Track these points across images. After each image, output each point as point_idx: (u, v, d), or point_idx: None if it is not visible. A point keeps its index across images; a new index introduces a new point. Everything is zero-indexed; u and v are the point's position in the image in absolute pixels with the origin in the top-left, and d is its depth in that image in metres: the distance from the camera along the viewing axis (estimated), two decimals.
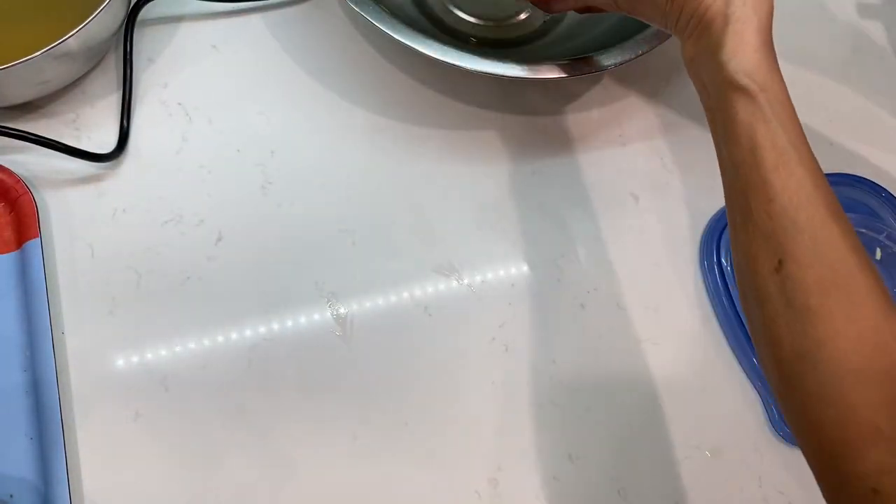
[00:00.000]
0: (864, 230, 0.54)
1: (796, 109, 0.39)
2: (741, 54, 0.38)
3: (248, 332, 0.49)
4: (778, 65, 0.39)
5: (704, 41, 0.41)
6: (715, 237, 0.54)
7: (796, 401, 0.34)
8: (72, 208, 0.52)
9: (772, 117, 0.37)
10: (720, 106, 0.40)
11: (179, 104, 0.56)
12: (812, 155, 0.37)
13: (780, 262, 0.35)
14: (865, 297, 0.33)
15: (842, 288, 0.33)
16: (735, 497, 0.48)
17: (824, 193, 0.36)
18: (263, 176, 0.54)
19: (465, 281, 0.52)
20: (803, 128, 0.38)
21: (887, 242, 0.54)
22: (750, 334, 0.37)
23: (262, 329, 0.50)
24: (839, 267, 0.34)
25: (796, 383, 0.34)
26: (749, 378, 0.51)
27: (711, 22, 0.40)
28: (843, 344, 0.33)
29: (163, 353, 0.48)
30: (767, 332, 0.35)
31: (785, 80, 0.40)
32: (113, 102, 0.56)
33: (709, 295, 0.53)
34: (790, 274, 0.34)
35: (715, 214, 0.55)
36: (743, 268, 0.37)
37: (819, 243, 0.34)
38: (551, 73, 0.52)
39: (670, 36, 0.55)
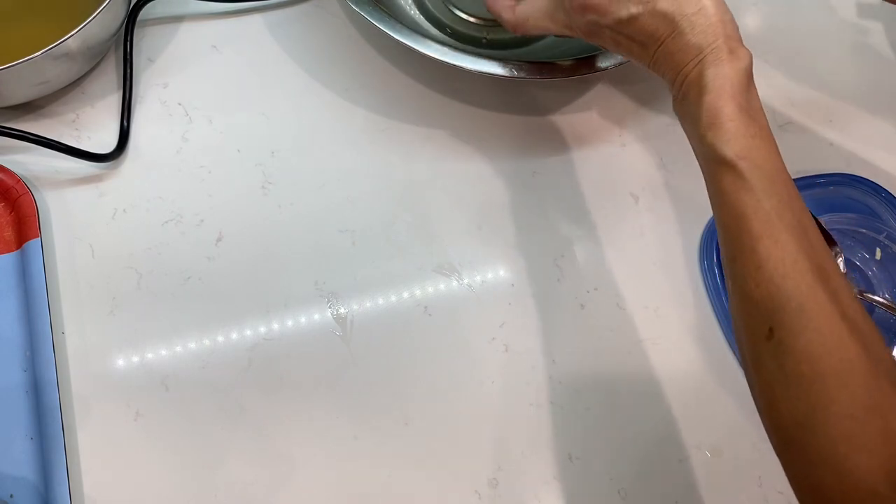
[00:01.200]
0: (864, 230, 0.54)
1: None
2: (717, 126, 0.38)
3: (248, 332, 0.50)
4: (760, 119, 0.39)
5: (685, 108, 0.41)
6: (714, 237, 0.54)
7: (797, 466, 0.35)
8: (72, 208, 0.52)
9: (755, 185, 0.37)
10: (706, 172, 0.40)
11: (179, 104, 0.56)
12: (799, 215, 0.37)
13: (770, 329, 0.35)
14: (856, 361, 0.33)
15: (832, 353, 0.34)
16: (735, 497, 0.48)
17: (811, 257, 0.36)
18: (263, 176, 0.54)
19: (465, 281, 0.52)
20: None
21: (887, 242, 0.54)
22: (752, 397, 0.37)
23: (262, 329, 0.50)
24: (828, 332, 0.34)
25: (795, 449, 0.34)
26: None
27: (688, 91, 0.40)
28: (836, 409, 0.33)
29: (163, 353, 0.48)
30: (765, 398, 0.36)
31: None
32: (113, 102, 0.56)
33: (709, 295, 0.53)
34: (781, 341, 0.35)
35: None
36: (739, 333, 0.38)
37: (806, 310, 0.34)
38: (551, 73, 0.52)
39: None
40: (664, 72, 0.42)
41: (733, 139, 0.38)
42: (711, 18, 0.40)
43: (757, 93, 0.40)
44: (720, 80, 0.39)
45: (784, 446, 0.35)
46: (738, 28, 0.41)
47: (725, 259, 0.38)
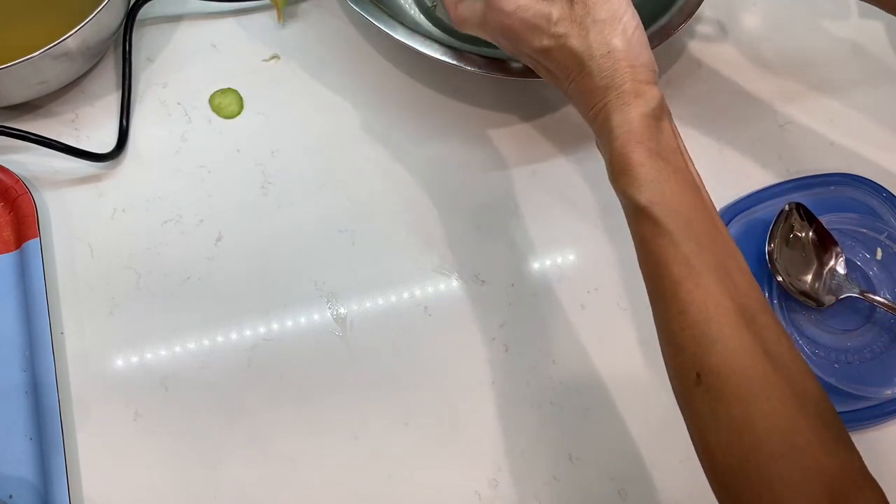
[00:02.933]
0: (864, 230, 0.54)
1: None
2: (628, 173, 0.37)
3: (248, 332, 0.49)
4: (675, 160, 0.38)
5: (600, 150, 0.41)
6: None
7: None
8: (71, 208, 0.52)
9: (671, 229, 0.36)
10: (626, 218, 0.39)
11: (179, 104, 0.56)
12: (721, 255, 0.36)
13: (698, 374, 0.35)
14: (783, 399, 0.33)
15: (759, 394, 0.33)
16: None
17: (734, 297, 0.35)
18: (263, 176, 0.54)
19: (465, 281, 0.52)
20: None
21: (888, 242, 0.54)
22: (692, 442, 0.37)
23: (262, 329, 0.50)
24: (754, 374, 0.34)
25: (732, 493, 0.34)
26: None
27: (600, 134, 0.40)
28: (767, 449, 0.33)
29: (163, 353, 0.48)
30: (700, 443, 0.36)
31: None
32: (112, 102, 0.56)
33: None
34: (710, 386, 0.34)
35: None
36: (670, 379, 0.37)
37: (732, 353, 0.34)
38: None
39: (668, 38, 0.55)
40: (578, 108, 0.42)
41: (644, 185, 0.37)
42: (619, 62, 0.39)
43: (672, 131, 0.39)
44: (625, 125, 0.38)
45: (722, 491, 0.35)
46: (652, 67, 0.40)
47: (651, 302, 0.38)
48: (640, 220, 0.37)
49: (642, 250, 0.38)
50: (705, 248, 0.36)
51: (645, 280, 0.38)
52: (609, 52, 0.39)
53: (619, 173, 0.38)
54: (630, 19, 0.40)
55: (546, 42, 0.41)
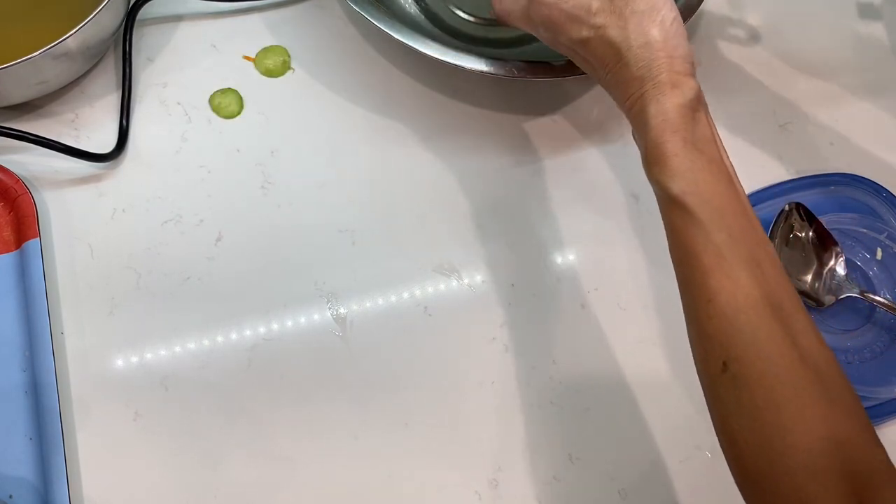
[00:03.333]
0: (864, 230, 0.54)
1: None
2: (662, 163, 0.38)
3: (248, 332, 0.49)
4: (709, 150, 0.38)
5: (635, 138, 0.41)
6: None
7: (756, 497, 0.35)
8: (71, 208, 0.52)
9: (703, 219, 0.36)
10: (659, 207, 0.39)
11: (179, 104, 0.56)
12: (752, 246, 0.36)
13: (724, 363, 0.35)
14: (810, 390, 0.34)
15: (787, 384, 0.34)
16: (735, 498, 0.48)
17: (764, 288, 0.35)
18: (263, 176, 0.54)
19: (465, 281, 0.52)
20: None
21: (888, 242, 0.54)
22: (714, 430, 0.37)
23: (262, 329, 0.50)
24: (781, 363, 0.34)
25: (755, 481, 0.34)
26: None
27: (636, 124, 0.40)
28: (792, 440, 0.33)
29: (162, 353, 0.48)
30: (724, 430, 0.36)
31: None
32: (112, 102, 0.56)
33: None
34: (735, 374, 0.34)
35: None
36: (696, 366, 0.37)
37: (760, 343, 0.34)
38: (551, 73, 0.52)
39: None
40: (615, 98, 0.42)
41: (678, 175, 0.37)
42: (657, 52, 0.39)
43: (708, 122, 0.39)
44: (661, 115, 0.38)
45: (743, 478, 0.35)
46: (689, 59, 0.40)
47: (680, 290, 0.38)
48: (672, 209, 0.37)
49: (673, 239, 0.38)
50: (737, 238, 0.36)
51: (675, 269, 0.38)
52: (647, 42, 0.39)
53: (653, 163, 0.38)
54: (668, 11, 0.40)
55: (585, 33, 0.41)
